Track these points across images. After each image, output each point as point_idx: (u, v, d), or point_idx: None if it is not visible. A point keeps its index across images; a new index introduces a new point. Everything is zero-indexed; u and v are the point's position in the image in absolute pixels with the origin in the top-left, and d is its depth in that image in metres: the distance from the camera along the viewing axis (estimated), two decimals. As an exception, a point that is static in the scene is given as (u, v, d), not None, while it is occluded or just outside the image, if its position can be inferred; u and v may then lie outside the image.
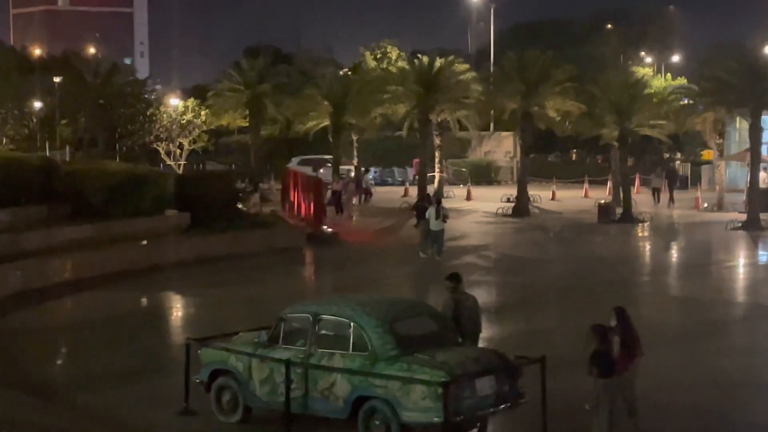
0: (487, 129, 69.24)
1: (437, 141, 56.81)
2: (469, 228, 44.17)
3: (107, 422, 16.48)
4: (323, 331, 15.26)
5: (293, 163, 62.28)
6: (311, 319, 15.47)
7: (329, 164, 57.19)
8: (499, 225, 46.05)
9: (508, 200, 51.20)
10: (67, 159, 43.99)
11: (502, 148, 72.52)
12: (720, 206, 52.74)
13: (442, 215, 34.49)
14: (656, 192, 54.49)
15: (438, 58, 55.84)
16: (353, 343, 14.91)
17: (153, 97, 61.99)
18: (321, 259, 35.43)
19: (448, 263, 32.65)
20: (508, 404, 14.92)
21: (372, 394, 14.56)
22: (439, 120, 55.17)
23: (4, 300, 25.36)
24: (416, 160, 57.58)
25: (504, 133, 70.08)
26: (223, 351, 16.18)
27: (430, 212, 34.47)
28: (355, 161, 57.46)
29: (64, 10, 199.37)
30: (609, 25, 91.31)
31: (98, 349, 21.42)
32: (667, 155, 64.59)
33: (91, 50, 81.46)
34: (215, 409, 16.02)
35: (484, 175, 70.07)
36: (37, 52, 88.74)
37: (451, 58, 56.99)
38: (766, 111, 48.23)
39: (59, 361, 20.87)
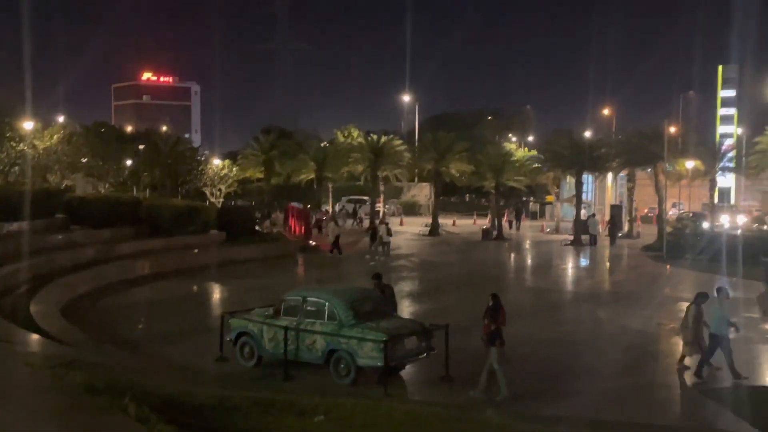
0: (413, 180, 69.67)
1: (382, 188, 57.20)
2: (402, 243, 44.30)
3: (171, 365, 16.43)
4: (309, 308, 15.44)
5: (343, 201, 65.45)
6: (301, 300, 15.67)
7: (364, 202, 59.61)
8: (420, 241, 46.29)
9: (426, 226, 51.39)
10: (147, 197, 43.57)
11: (422, 192, 72.88)
12: (557, 230, 53.39)
13: (389, 231, 36.47)
14: (511, 222, 54.91)
15: (383, 136, 56.20)
16: (328, 315, 15.11)
17: (202, 158, 61.74)
18: (308, 262, 35.45)
19: (388, 265, 32.85)
20: (425, 355, 15.30)
21: (339, 348, 14.75)
22: (383, 175, 55.44)
23: (107, 286, 25.35)
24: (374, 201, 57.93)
25: (424, 183, 70.40)
26: (244, 320, 16.27)
27: (383, 229, 36.44)
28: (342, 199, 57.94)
29: (147, 103, 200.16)
30: (489, 117, 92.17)
31: (166, 318, 21.41)
32: (524, 198, 65.10)
33: (164, 128, 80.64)
34: (239, 357, 16.15)
35: (412, 210, 70.56)
36: (129, 129, 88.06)
37: (390, 136, 57.35)
38: (585, 172, 48.94)
39: (141, 326, 20.72)
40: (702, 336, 16.15)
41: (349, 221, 56.97)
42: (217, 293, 27.86)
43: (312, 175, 55.51)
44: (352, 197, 64.66)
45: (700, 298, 16.66)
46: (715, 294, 16.56)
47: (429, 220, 51.94)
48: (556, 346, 18.47)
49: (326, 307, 15.08)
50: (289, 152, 57.87)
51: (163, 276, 28.35)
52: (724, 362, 15.62)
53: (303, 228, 42.42)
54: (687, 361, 16.37)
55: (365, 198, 60.84)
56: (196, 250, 32.72)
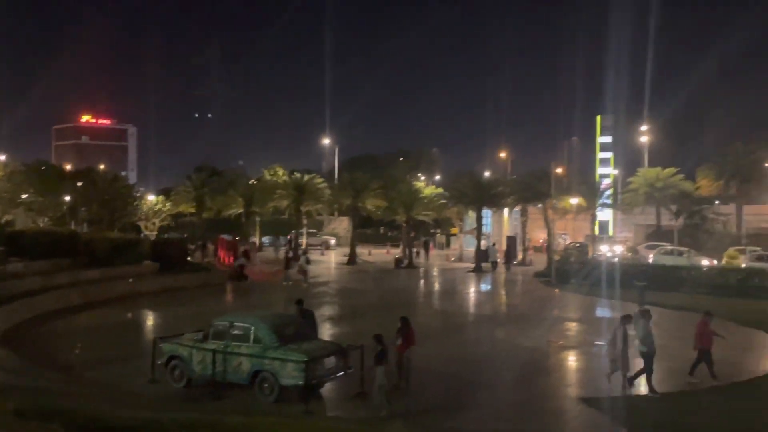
0: (333, 215, 69.47)
1: (305, 221, 56.82)
2: (324, 271, 44.00)
3: (103, 387, 15.74)
4: (236, 332, 15.11)
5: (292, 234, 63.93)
6: (229, 325, 15.33)
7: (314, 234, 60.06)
8: (339, 270, 46.02)
9: (345, 255, 51.25)
10: (85, 231, 42.04)
11: (342, 225, 72.58)
12: (461, 259, 54.00)
13: (308, 261, 36.46)
14: (419, 252, 55.01)
15: (305, 174, 56.16)
16: (253, 339, 14.83)
17: (138, 194, 60.25)
18: (236, 290, 34.73)
19: (309, 291, 32.46)
20: (343, 373, 15.09)
21: (263, 368, 14.47)
22: (306, 210, 55.19)
23: (45, 314, 24.20)
24: (290, 235, 57.53)
25: (343, 217, 70.21)
26: (175, 344, 15.81)
27: (303, 259, 36.50)
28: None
29: (86, 143, 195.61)
30: (401, 158, 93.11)
31: (101, 344, 20.55)
32: (432, 231, 65.67)
33: (102, 167, 78.28)
34: (170, 379, 15.62)
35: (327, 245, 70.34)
36: (68, 167, 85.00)
37: (313, 175, 57.44)
38: (485, 207, 49.76)
39: (77, 352, 19.81)
40: (627, 353, 16.15)
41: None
42: (150, 320, 26.95)
43: (241, 210, 54.83)
44: (310, 230, 64.10)
45: (626, 319, 16.63)
46: (641, 317, 16.53)
47: (348, 251, 51.80)
48: (459, 364, 18.55)
49: (252, 331, 14.81)
50: (219, 189, 56.93)
51: (99, 305, 27.28)
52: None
53: (232, 258, 41.67)
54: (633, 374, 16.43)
55: (313, 231, 61.21)
56: (130, 280, 31.64)
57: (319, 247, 59.32)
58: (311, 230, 62.73)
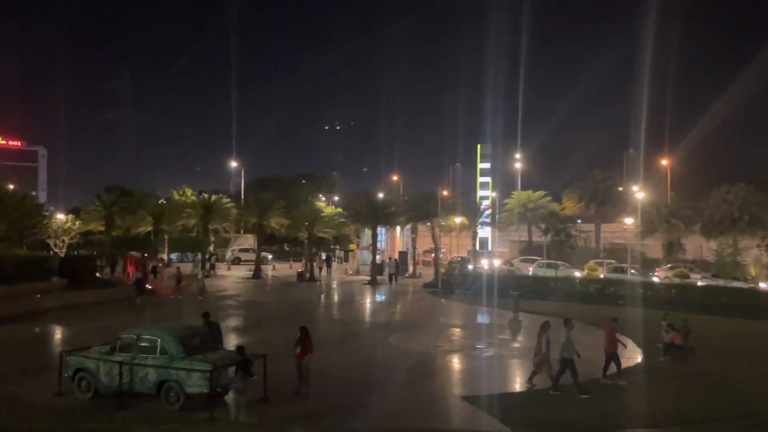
0: (239, 232, 68.07)
1: (212, 239, 55.43)
2: (230, 285, 42.93)
3: (7, 401, 14.67)
4: (142, 344, 14.49)
5: (235, 249, 62.69)
6: (135, 337, 14.67)
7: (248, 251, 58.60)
8: (245, 284, 45.01)
9: (250, 270, 50.29)
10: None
11: (247, 242, 71.16)
12: (358, 272, 54.09)
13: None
14: (321, 267, 54.35)
15: (213, 195, 54.85)
16: (160, 350, 14.23)
17: (47, 213, 56.88)
18: (143, 304, 33.27)
19: (214, 304, 31.58)
20: (249, 379, 14.66)
21: (169, 378, 13.91)
22: (213, 227, 53.85)
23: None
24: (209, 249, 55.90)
25: (248, 235, 68.88)
26: (82, 357, 14.97)
27: (200, 273, 35.70)
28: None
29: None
30: (303, 180, 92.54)
31: (7, 359, 19.13)
32: (332, 247, 65.45)
33: (11, 186, 73.48)
34: (77, 391, 14.73)
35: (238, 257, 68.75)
36: (-23, 186, 79.31)
37: (220, 195, 56.08)
38: (379, 225, 50.13)
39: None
40: (550, 358, 16.47)
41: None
42: (58, 334, 25.37)
43: (150, 228, 52.79)
44: (244, 247, 62.64)
45: (547, 326, 16.89)
46: (564, 326, 16.70)
47: (253, 265, 50.86)
48: (356, 368, 18.52)
49: (158, 343, 14.27)
50: (129, 208, 54.52)
51: (5, 320, 25.47)
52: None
53: (139, 273, 39.97)
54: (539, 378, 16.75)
55: (249, 248, 59.98)
56: (38, 296, 29.76)
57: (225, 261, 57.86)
58: (245, 247, 61.98)
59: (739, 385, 16.90)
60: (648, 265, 47.48)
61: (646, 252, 54.09)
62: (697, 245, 50.52)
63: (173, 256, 61.88)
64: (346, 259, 66.94)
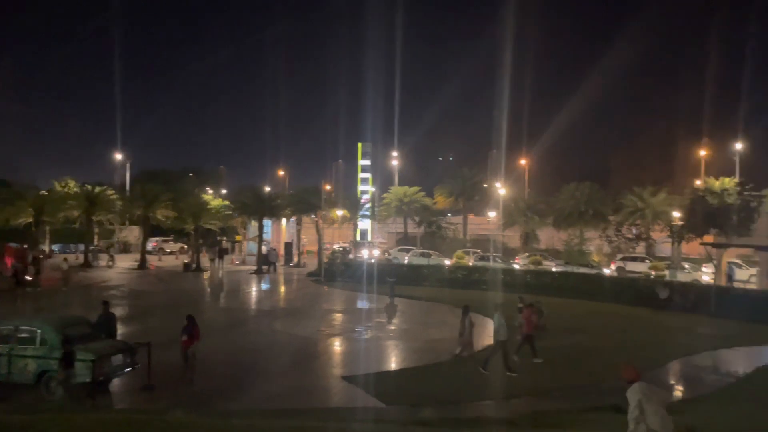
0: (124, 224, 64.50)
1: (97, 230, 52.15)
2: (114, 276, 40.61)
3: None
4: (22, 335, 13.42)
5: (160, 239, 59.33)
6: (14, 329, 13.53)
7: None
8: (130, 275, 42.74)
9: (135, 261, 47.84)
10: None
11: (133, 234, 67.55)
12: (244, 263, 52.93)
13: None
14: (213, 259, 52.50)
15: (97, 186, 51.59)
16: (39, 341, 13.19)
17: None
18: (25, 295, 30.74)
19: (100, 295, 29.74)
20: (130, 369, 13.99)
21: (50, 368, 12.93)
22: (97, 219, 50.69)
23: None
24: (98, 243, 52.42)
25: (134, 226, 65.39)
26: (-46, 351, 13.61)
27: (64, 264, 33.29)
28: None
29: None
30: (191, 174, 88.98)
31: None
32: (220, 238, 63.41)
33: None
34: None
35: (126, 248, 65.17)
36: None
37: (104, 187, 52.81)
38: (265, 217, 49.29)
39: None
40: (472, 338, 17.27)
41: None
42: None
43: (30, 219, 48.83)
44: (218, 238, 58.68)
45: (467, 310, 17.64)
46: (494, 309, 17.07)
47: (138, 256, 48.39)
48: (241, 354, 18.09)
49: (38, 334, 13.24)
50: (8, 199, 50.15)
51: None
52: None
53: (19, 264, 36.82)
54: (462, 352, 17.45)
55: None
56: None
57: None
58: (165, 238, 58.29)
59: (585, 357, 18.07)
60: (508, 253, 49.88)
61: (507, 242, 56.79)
62: (550, 236, 53.71)
63: (55, 247, 57.68)
64: (233, 250, 65.25)
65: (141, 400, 13.28)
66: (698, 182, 51.95)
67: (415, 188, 61.94)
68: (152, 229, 54.62)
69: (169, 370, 14.49)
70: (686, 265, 40.00)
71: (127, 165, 70.73)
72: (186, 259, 49.33)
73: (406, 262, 45.08)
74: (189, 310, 17.05)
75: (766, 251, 33.98)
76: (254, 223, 52.01)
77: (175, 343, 14.91)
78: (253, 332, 22.27)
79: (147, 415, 10.30)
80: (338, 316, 26.02)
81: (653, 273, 38.03)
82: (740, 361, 18.80)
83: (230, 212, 52.81)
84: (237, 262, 53.77)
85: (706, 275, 36.85)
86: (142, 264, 46.50)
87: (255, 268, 45.48)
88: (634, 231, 40.27)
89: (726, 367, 17.73)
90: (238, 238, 65.02)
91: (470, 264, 42.72)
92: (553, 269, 39.60)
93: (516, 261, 45.90)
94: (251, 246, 58.63)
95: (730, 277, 35.87)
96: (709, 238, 31.93)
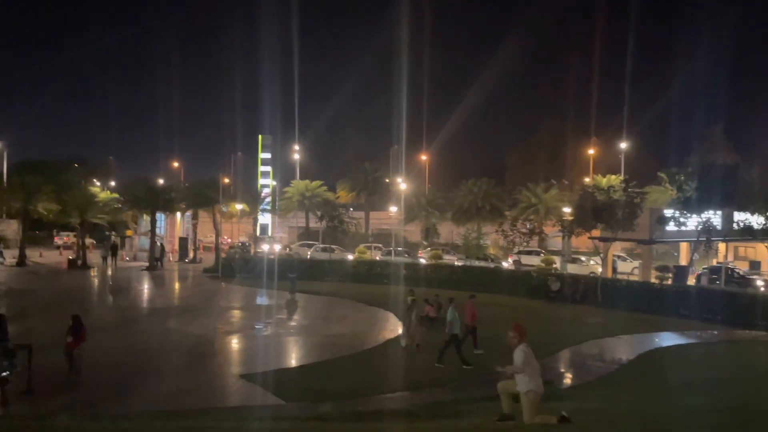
0: (2, 217, 59.94)
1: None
2: (-13, 274, 37.66)
3: None
4: None
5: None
6: None
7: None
8: (8, 272, 39.76)
9: (14, 257, 44.59)
10: None
11: (11, 228, 62.89)
12: (135, 259, 50.72)
13: None
14: (105, 257, 49.32)
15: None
16: None
17: None
18: None
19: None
20: (10, 372, 13.01)
21: None
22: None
23: None
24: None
25: (12, 220, 60.88)
26: None
27: None
28: None
29: None
30: (76, 164, 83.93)
31: None
32: (107, 233, 60.24)
33: None
34: None
35: (5, 244, 60.50)
36: None
37: (-23, 177, 48.78)
38: (159, 211, 47.44)
39: None
40: (419, 329, 18.17)
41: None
42: None
43: None
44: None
45: (413, 303, 18.70)
46: (450, 303, 17.39)
47: (17, 253, 45.11)
48: (132, 354, 17.33)
49: None
50: None
51: None
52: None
53: None
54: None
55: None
56: None
57: None
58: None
59: (484, 348, 18.71)
60: (409, 248, 50.78)
61: (408, 237, 57.83)
62: (450, 230, 55.18)
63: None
64: (123, 246, 62.25)
65: (20, 407, 12.40)
66: (587, 179, 55.18)
67: (317, 182, 61.70)
68: (33, 223, 51.17)
69: (52, 373, 13.65)
70: (583, 258, 42.29)
71: (4, 154, 65.89)
72: (71, 255, 46.56)
73: (308, 257, 44.83)
74: (74, 310, 16.14)
75: (647, 245, 36.67)
76: (146, 218, 49.82)
77: (58, 345, 14.06)
78: (145, 331, 21.41)
79: (25, 421, 9.63)
80: (236, 313, 25.51)
81: (555, 266, 39.80)
82: (623, 348, 20.16)
83: (120, 206, 50.36)
84: (127, 259, 51.40)
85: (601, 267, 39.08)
86: (22, 261, 43.44)
87: (147, 264, 43.67)
88: (528, 226, 42.13)
89: (610, 355, 18.95)
90: (128, 233, 62.09)
91: (377, 258, 43.16)
92: (456, 263, 40.70)
93: (419, 255, 46.80)
94: (143, 241, 56.14)
95: (614, 270, 38.33)
96: (596, 233, 34.00)
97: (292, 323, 23.54)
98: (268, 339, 20.24)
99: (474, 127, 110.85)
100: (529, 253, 44.13)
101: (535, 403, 8.06)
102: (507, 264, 42.37)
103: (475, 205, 50.12)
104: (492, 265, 40.14)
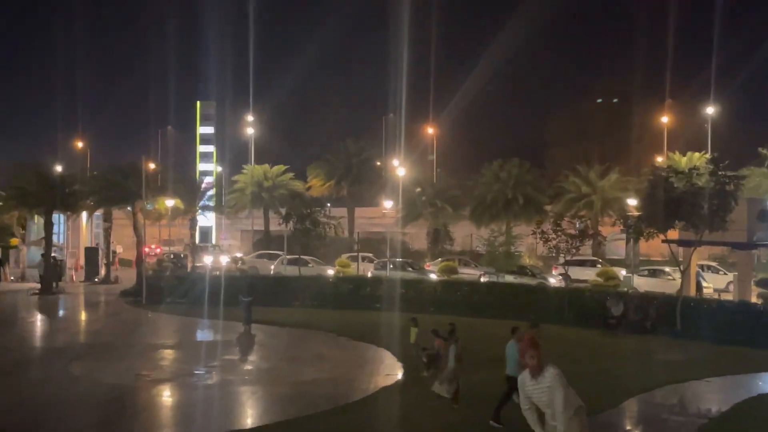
0: None
1: None
2: None
3: None
4: None
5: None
6: None
7: None
8: None
9: None
10: None
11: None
12: (23, 278, 50.64)
13: None
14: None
15: None
16: None
17: None
18: None
19: None
20: None
21: None
22: None
23: None
24: None
25: None
26: None
27: None
28: None
29: None
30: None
31: None
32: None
33: None
34: None
35: None
36: None
37: None
38: (57, 211, 47.36)
39: None
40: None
41: None
42: None
43: None
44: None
45: (454, 331, 18.79)
46: (512, 334, 16.56)
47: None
48: (18, 412, 17.17)
49: None
50: None
51: None
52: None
53: None
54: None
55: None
56: None
57: None
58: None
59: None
60: (412, 257, 50.83)
61: (410, 242, 57.90)
62: (467, 232, 55.26)
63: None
64: (6, 260, 62.04)
65: None
66: (659, 159, 55.37)
67: (281, 167, 61.82)
68: None
69: None
70: (667, 269, 42.22)
71: None
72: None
73: (271, 272, 44.81)
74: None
75: (745, 250, 36.67)
76: (39, 220, 49.67)
77: None
78: (37, 381, 21.24)
79: None
80: (168, 354, 25.41)
81: (617, 282, 39.83)
82: (713, 396, 20.13)
83: (0, 203, 50.22)
84: (12, 279, 51.21)
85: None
86: None
87: (39, 286, 43.53)
88: (578, 225, 42.18)
89: (695, 406, 18.92)
90: (13, 242, 61.89)
91: (366, 274, 43.18)
92: (482, 279, 40.77)
93: (427, 267, 46.85)
94: (33, 253, 56.00)
95: (699, 285, 38.40)
96: (674, 234, 33.97)
97: (247, 366, 23.47)
98: (212, 389, 20.12)
99: (499, 91, 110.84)
100: (580, 263, 44.19)
101: None
102: (555, 280, 42.33)
103: (503, 197, 50.28)
104: (534, 281, 40.16)
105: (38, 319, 34.80)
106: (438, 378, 18.16)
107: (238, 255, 55.93)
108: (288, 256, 47.54)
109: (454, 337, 18.95)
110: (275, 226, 58.46)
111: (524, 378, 9.30)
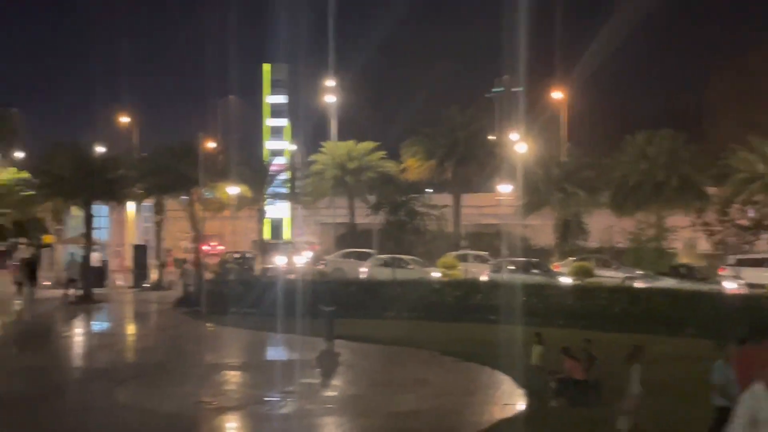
0: None
1: None
2: None
3: None
4: None
5: None
6: None
7: None
8: None
9: None
10: None
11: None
12: (60, 283, 52.00)
13: None
14: (21, 282, 50.27)
15: None
16: None
17: None
18: None
19: None
20: None
21: None
22: None
23: None
24: None
25: None
26: None
27: None
28: None
29: None
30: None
31: None
32: (14, 240, 62.21)
33: None
34: None
35: None
36: None
37: None
38: (98, 201, 48.44)
39: None
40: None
41: None
42: None
43: None
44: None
45: (638, 352, 17.29)
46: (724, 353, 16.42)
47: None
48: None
49: None
50: None
51: None
52: None
53: None
54: None
55: None
56: None
57: None
58: None
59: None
60: (535, 255, 50.31)
61: (533, 237, 57.31)
62: (605, 224, 54.40)
63: None
64: (38, 261, 64.19)
65: None
66: None
67: (369, 144, 61.94)
68: None
69: None
70: None
71: None
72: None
73: (364, 275, 45.03)
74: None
75: None
76: (77, 212, 51.10)
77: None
78: (77, 409, 21.82)
79: None
80: (234, 377, 25.77)
81: None
82: None
83: (32, 192, 51.81)
84: (48, 283, 52.75)
85: None
86: None
87: (78, 292, 44.70)
88: (751, 213, 41.00)
89: None
90: (48, 239, 64.01)
91: (480, 278, 42.91)
92: (636, 285, 40.06)
93: (556, 268, 46.37)
94: (73, 253, 57.72)
95: None
96: None
97: (330, 393, 23.57)
98: (288, 421, 20.32)
99: (644, 45, 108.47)
100: (758, 263, 42.91)
101: None
102: (732, 285, 40.99)
103: (651, 179, 49.31)
104: (706, 286, 39.08)
105: (77, 334, 35.80)
106: (616, 409, 17.73)
107: (295, 251, 56.11)
108: (381, 256, 47.59)
109: (641, 354, 18.06)
110: (362, 217, 58.70)
111: (757, 393, 10.14)
